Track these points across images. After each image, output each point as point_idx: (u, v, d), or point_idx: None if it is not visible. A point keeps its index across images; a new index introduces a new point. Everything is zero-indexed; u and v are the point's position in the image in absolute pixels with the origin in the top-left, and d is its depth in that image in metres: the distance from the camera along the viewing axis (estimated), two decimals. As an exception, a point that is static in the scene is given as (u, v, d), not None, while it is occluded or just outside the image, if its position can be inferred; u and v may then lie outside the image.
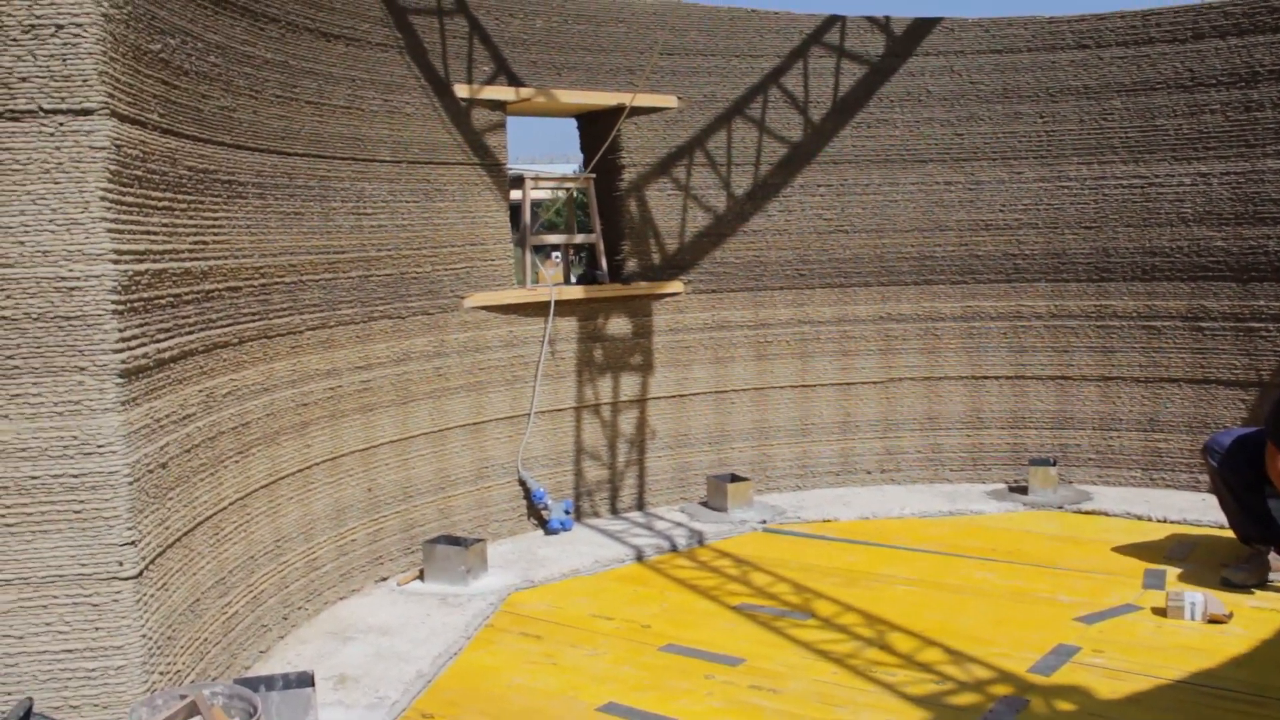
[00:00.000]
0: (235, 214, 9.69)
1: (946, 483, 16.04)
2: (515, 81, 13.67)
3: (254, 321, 10.00)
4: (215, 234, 9.30)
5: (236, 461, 9.63)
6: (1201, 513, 14.03)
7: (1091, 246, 15.61)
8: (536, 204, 14.85)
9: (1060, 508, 14.75)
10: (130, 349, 7.63)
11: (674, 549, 13.32)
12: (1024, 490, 15.32)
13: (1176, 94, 15.15)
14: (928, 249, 15.92)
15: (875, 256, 15.89)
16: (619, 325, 14.70)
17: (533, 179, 14.79)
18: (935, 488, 15.86)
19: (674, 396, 15.14)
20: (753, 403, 15.65)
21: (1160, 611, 10.78)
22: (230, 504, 9.47)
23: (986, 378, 16.08)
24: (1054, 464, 15.27)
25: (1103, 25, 15.44)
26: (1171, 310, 15.30)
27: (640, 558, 13.02)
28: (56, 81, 7.20)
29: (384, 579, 12.14)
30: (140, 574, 7.57)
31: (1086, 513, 14.56)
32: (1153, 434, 15.50)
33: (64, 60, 7.19)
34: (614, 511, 14.72)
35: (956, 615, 10.96)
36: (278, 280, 10.41)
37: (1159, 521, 14.01)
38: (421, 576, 12.04)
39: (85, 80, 7.24)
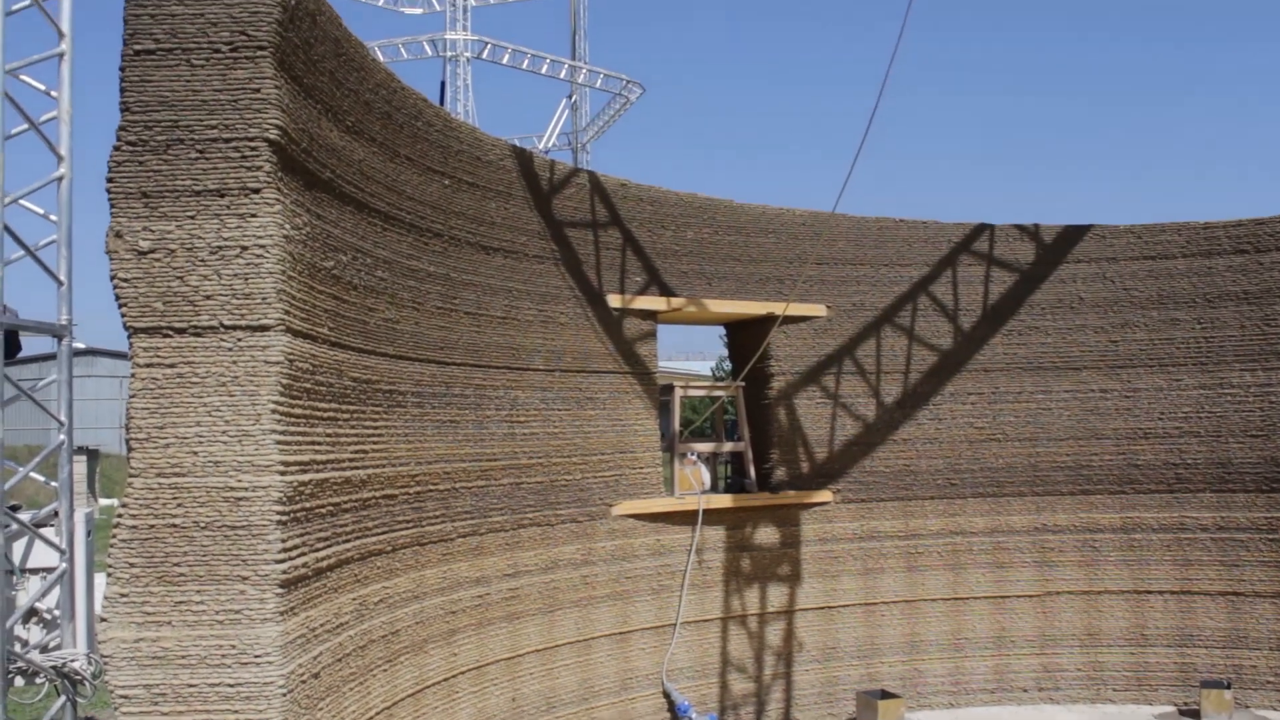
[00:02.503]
0: (394, 422, 9.88)
1: (1110, 703, 15.18)
2: (666, 291, 13.87)
3: (408, 529, 10.07)
4: (375, 442, 9.48)
5: (385, 670, 9.57)
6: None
7: (1259, 455, 14.99)
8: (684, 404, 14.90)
9: (1238, 735, 13.83)
10: (291, 559, 7.71)
11: (824, 770, 12.77)
12: (1195, 714, 14.42)
13: (1344, 300, 14.76)
14: (1084, 458, 15.47)
15: (1029, 465, 15.48)
16: (767, 534, 14.48)
17: (682, 386, 14.88)
18: (1098, 709, 15.02)
19: (822, 608, 14.74)
20: (903, 615, 15.13)
21: None
22: (377, 714, 9.37)
23: (1150, 592, 15.33)
24: (1228, 686, 14.38)
25: (1261, 230, 15.15)
26: (1351, 524, 14.55)
27: (789, 779, 12.50)
28: (238, 299, 7.50)
29: (525, 794, 11.84)
30: (289, 789, 7.48)
31: (1268, 742, 13.62)
32: (1339, 656, 14.56)
33: (246, 279, 7.50)
34: (760, 727, 14.24)
35: None
36: (431, 488, 10.51)
37: (1353, 755, 13.03)
38: (564, 793, 11.71)
39: (264, 298, 7.53)
